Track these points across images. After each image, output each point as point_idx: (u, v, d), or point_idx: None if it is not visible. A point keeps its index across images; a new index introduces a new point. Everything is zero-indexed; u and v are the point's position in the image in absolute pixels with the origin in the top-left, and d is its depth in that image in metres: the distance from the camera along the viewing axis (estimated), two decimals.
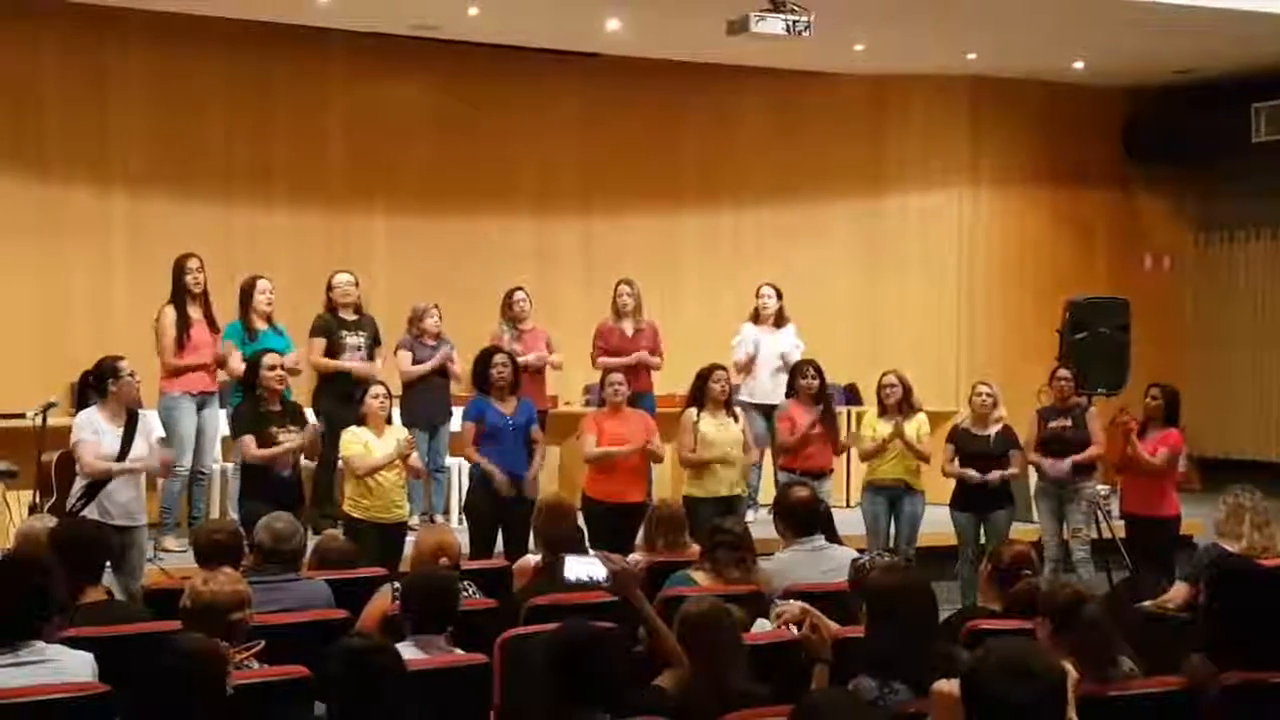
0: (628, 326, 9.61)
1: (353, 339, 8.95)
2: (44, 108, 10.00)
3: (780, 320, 9.89)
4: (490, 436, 7.81)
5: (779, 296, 9.93)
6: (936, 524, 8.69)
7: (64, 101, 10.04)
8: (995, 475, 8.26)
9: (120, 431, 6.78)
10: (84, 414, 6.91)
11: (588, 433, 8.06)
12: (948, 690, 3.09)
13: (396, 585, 5.08)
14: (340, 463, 7.70)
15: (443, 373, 9.25)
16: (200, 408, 8.42)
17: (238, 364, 8.22)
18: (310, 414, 8.76)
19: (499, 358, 7.96)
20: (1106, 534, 8.87)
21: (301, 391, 8.81)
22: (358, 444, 7.46)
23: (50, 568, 4.43)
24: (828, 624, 4.60)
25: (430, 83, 11.13)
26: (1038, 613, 4.50)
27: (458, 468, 9.13)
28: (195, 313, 8.42)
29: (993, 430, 8.43)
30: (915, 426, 8.44)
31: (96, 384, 6.88)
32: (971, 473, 8.30)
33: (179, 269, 8.46)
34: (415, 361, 9.19)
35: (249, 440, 7.25)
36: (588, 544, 6.30)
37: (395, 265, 10.83)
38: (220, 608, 4.30)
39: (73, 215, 10.11)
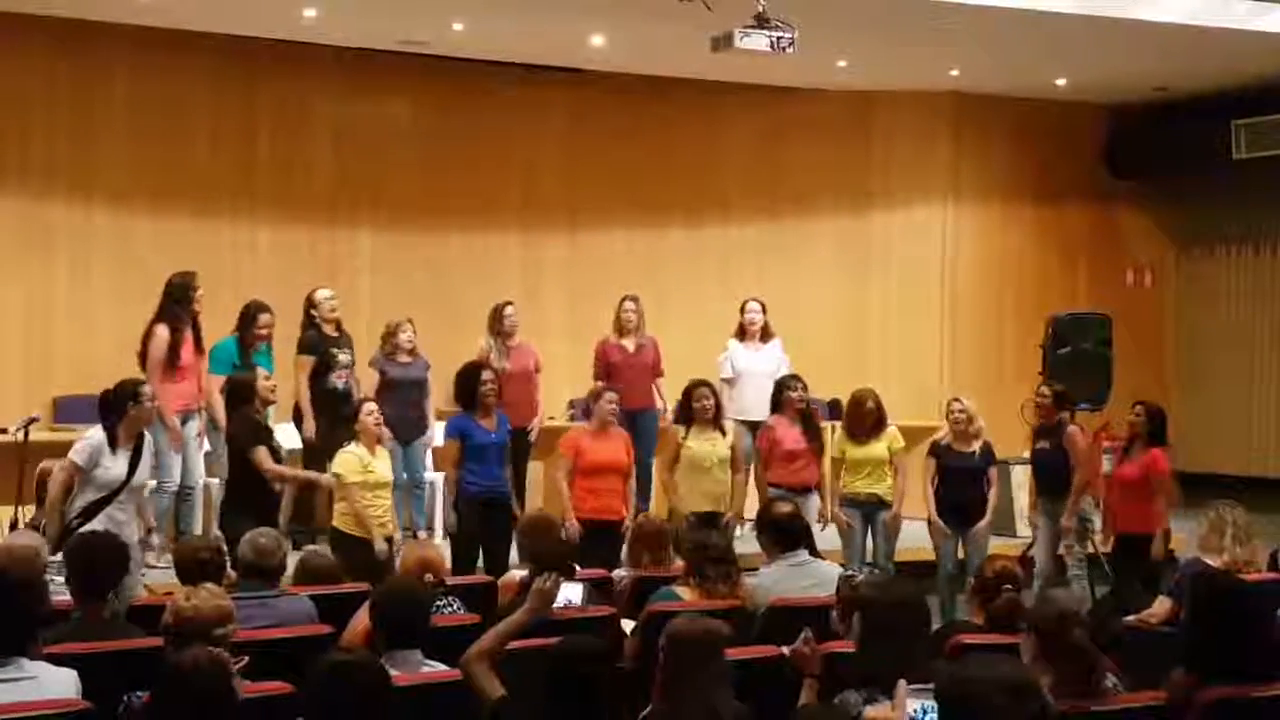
0: (629, 343, 9.62)
1: (344, 356, 8.99)
2: (28, 119, 9.96)
3: (766, 335, 9.90)
4: (474, 455, 7.80)
5: (765, 311, 9.95)
6: (916, 539, 8.71)
7: (47, 113, 10.01)
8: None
9: (129, 453, 6.74)
10: (94, 434, 6.75)
11: (568, 454, 7.98)
12: (876, 717, 3.09)
13: None
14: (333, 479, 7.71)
15: (420, 386, 9.25)
16: (183, 423, 8.40)
17: (215, 398, 8.37)
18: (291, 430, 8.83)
19: (486, 374, 7.95)
20: (1090, 549, 8.89)
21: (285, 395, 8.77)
22: (355, 463, 7.47)
23: (34, 584, 4.42)
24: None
25: (415, 98, 11.13)
26: (1022, 627, 4.51)
27: (439, 481, 9.11)
28: (186, 332, 8.39)
29: (975, 447, 8.45)
30: (887, 443, 8.46)
31: (116, 404, 6.79)
32: (941, 525, 8.35)
33: (183, 289, 8.40)
34: (385, 379, 9.15)
35: (262, 452, 7.26)
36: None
37: (380, 280, 10.82)
38: (203, 624, 4.28)
39: (55, 229, 10.07)
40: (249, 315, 8.80)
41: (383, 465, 7.61)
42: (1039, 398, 8.66)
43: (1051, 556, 8.52)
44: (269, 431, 7.50)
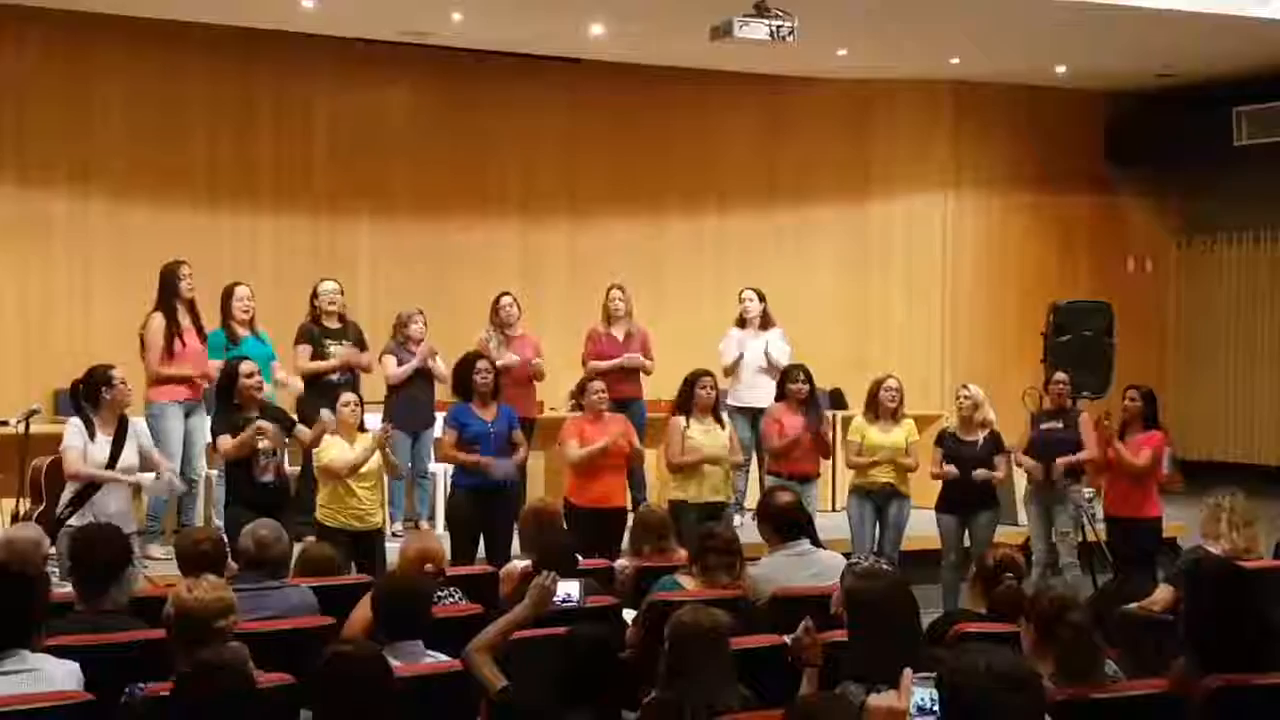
0: (618, 331, 9.61)
1: (337, 348, 8.97)
2: (25, 110, 9.96)
3: (765, 323, 9.89)
4: (471, 444, 7.80)
5: (761, 299, 9.93)
6: (920, 527, 8.70)
7: (46, 105, 10.00)
8: (980, 473, 8.27)
9: (110, 439, 6.78)
10: (74, 420, 6.88)
11: (569, 438, 8.03)
12: (880, 705, 3.07)
13: None
14: (315, 471, 7.67)
15: (426, 377, 9.24)
16: (187, 415, 8.41)
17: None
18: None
19: (481, 364, 7.96)
20: (1091, 537, 8.89)
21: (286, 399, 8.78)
22: (335, 448, 7.44)
23: (36, 576, 4.42)
24: None
25: (414, 89, 11.11)
26: (1022, 616, 4.51)
27: (443, 473, 9.12)
28: (184, 320, 8.39)
29: (980, 435, 8.44)
30: (906, 433, 8.46)
31: (88, 392, 6.83)
32: (953, 469, 8.32)
33: (170, 276, 8.43)
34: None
35: (224, 437, 7.21)
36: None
37: (379, 271, 10.82)
38: (204, 615, 4.28)
39: (53, 220, 10.07)
40: (225, 295, 8.77)
41: (357, 455, 7.45)
42: (1059, 384, 8.67)
43: (1046, 543, 8.52)
44: (245, 424, 7.32)
